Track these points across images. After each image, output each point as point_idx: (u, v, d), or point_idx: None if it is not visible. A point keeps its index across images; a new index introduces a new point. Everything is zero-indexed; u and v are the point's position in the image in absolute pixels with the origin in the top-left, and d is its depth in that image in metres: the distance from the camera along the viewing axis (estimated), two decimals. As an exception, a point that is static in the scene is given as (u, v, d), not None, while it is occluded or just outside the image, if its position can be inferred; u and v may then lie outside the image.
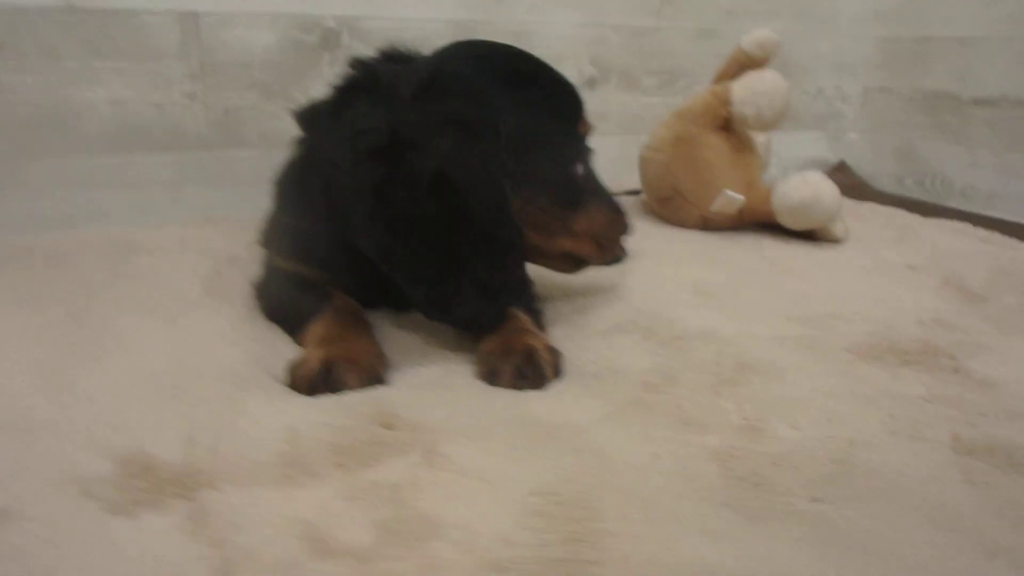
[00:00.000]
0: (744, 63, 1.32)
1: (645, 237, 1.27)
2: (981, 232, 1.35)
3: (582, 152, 0.88)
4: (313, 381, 0.72)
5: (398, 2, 1.43)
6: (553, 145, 0.86)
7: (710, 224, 1.33)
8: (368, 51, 1.34)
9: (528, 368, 0.76)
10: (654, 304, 0.96)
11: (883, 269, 1.15)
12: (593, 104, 1.61)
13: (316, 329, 0.81)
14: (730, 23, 1.71)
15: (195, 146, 1.36)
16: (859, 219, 1.44)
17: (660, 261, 1.14)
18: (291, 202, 0.93)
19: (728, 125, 1.31)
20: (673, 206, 1.35)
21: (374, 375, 0.75)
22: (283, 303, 0.89)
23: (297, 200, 0.92)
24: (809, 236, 1.29)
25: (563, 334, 0.88)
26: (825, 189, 1.23)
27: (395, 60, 0.92)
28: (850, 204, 1.52)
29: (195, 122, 1.35)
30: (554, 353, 0.79)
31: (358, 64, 0.87)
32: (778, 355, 0.82)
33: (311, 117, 0.89)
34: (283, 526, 0.53)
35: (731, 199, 1.28)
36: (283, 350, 0.81)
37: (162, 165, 1.35)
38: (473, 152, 0.77)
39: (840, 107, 1.92)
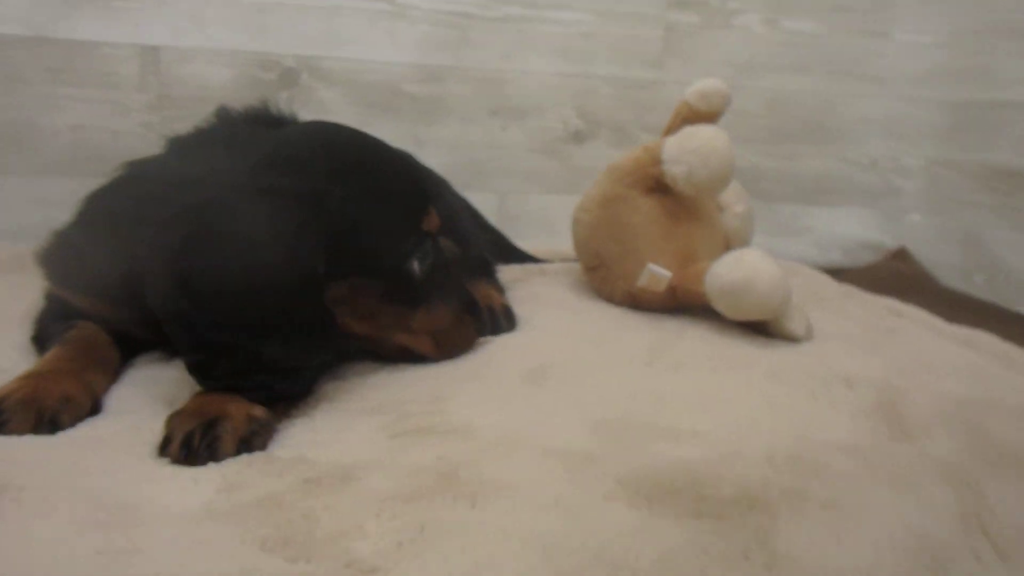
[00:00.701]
0: (688, 117, 1.16)
1: (547, 307, 1.15)
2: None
3: (423, 248, 0.84)
4: None
5: (361, 43, 1.40)
6: (387, 237, 0.81)
7: (639, 302, 1.17)
8: (327, 91, 1.34)
9: (200, 438, 0.66)
10: (443, 386, 0.85)
11: (807, 378, 0.91)
12: (580, 159, 1.52)
13: (38, 363, 0.77)
14: (747, 77, 1.54)
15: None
16: (844, 315, 1.21)
17: (527, 337, 1.02)
18: (94, 223, 0.89)
19: (664, 187, 1.15)
20: (599, 276, 1.20)
21: (48, 419, 0.69)
22: (41, 328, 0.87)
23: (103, 222, 0.88)
24: (760, 329, 1.10)
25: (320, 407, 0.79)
26: (763, 273, 1.03)
27: (264, 122, 0.92)
28: (864, 297, 1.29)
29: (149, 151, 1.39)
30: (254, 422, 0.70)
31: (224, 116, 0.88)
32: (515, 472, 0.67)
33: (169, 146, 0.92)
34: None
35: (656, 275, 1.12)
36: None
37: (114, 190, 1.39)
38: (285, 223, 0.73)
39: (898, 182, 1.67)
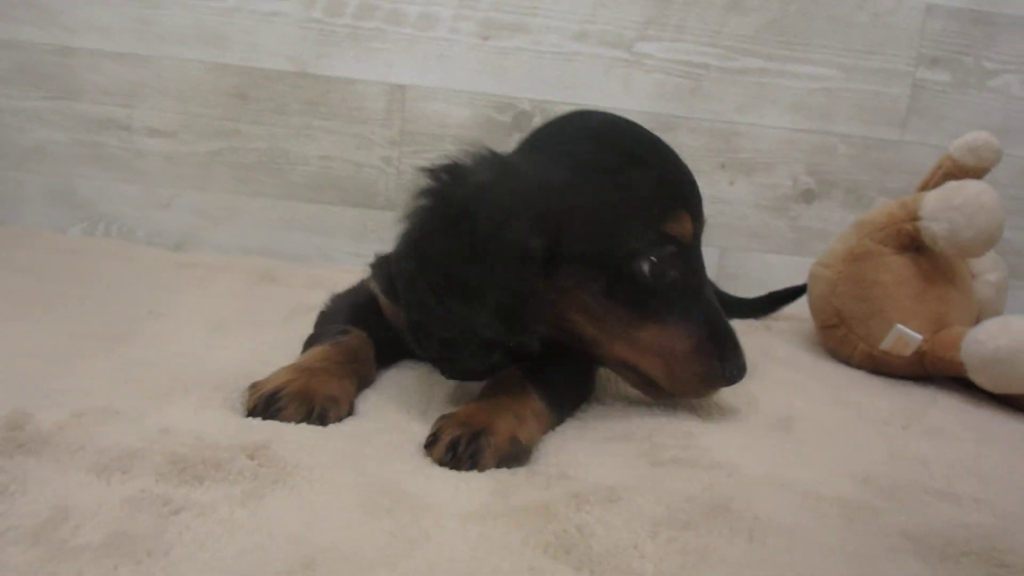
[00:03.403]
0: (951, 173, 1.08)
1: (776, 362, 1.09)
2: None
3: (660, 251, 0.75)
4: (256, 405, 0.71)
5: (595, 89, 1.42)
6: (618, 228, 0.75)
7: (881, 365, 1.08)
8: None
9: (466, 447, 0.66)
10: (689, 423, 0.80)
11: None
12: (807, 219, 1.46)
13: (306, 356, 0.80)
14: (1000, 143, 1.42)
15: (382, 206, 1.47)
16: None
17: (762, 387, 0.95)
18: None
19: (920, 246, 1.07)
20: (837, 336, 1.12)
21: (317, 413, 0.71)
22: (318, 331, 0.90)
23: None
24: (1018, 404, 0.99)
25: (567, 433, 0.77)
26: None
27: None
28: None
29: (386, 184, 1.46)
30: (513, 443, 0.68)
31: None
32: (788, 513, 0.62)
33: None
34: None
35: (906, 338, 1.04)
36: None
37: (351, 218, 1.47)
38: (504, 197, 0.73)
39: None
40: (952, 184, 1.05)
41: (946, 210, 1.02)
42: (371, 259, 0.93)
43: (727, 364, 0.78)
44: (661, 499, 0.62)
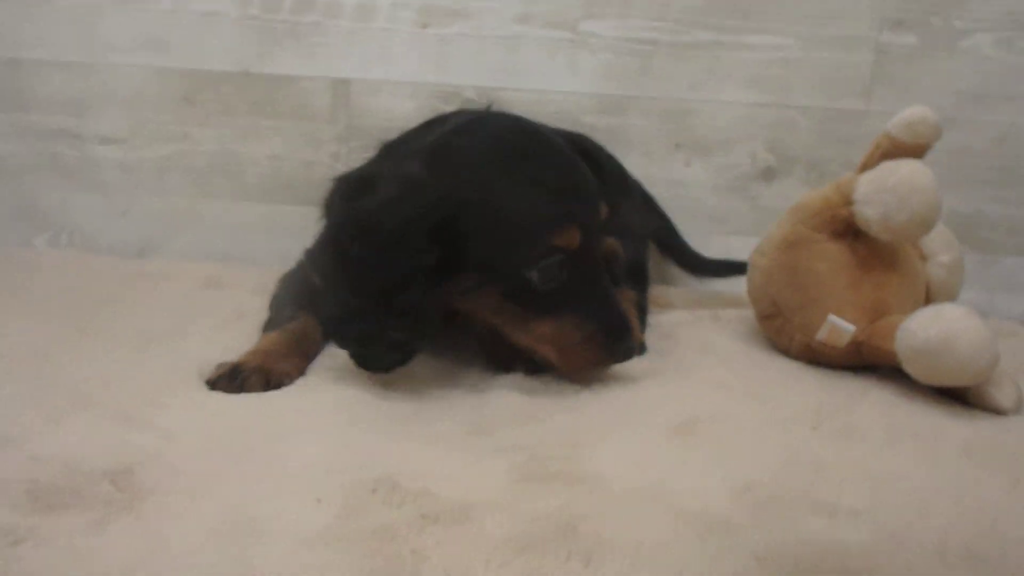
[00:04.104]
0: (889, 152, 1.01)
1: (711, 354, 1.05)
2: None
3: (547, 263, 0.85)
4: (221, 375, 0.86)
5: (540, 74, 1.37)
6: (507, 242, 0.85)
7: (819, 356, 1.02)
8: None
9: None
10: (585, 429, 0.78)
11: (1009, 460, 0.75)
12: (769, 199, 1.40)
13: (262, 342, 0.94)
14: (973, 109, 1.34)
15: (333, 202, 1.45)
16: None
17: (684, 384, 0.92)
18: None
19: (857, 231, 1.01)
20: (775, 327, 1.07)
21: (275, 383, 0.87)
22: (277, 308, 1.05)
23: None
24: (959, 397, 0.93)
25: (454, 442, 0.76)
26: (966, 331, 0.87)
27: None
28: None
29: (336, 180, 1.44)
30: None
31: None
32: (639, 532, 0.59)
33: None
34: None
35: (838, 328, 0.98)
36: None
37: (302, 216, 1.45)
38: (402, 211, 0.82)
39: None
40: (886, 164, 0.98)
41: (878, 192, 0.96)
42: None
43: (615, 350, 0.89)
44: (511, 519, 0.61)
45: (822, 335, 1.00)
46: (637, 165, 1.37)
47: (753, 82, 1.36)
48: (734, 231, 1.41)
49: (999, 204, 1.39)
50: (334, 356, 0.95)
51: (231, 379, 0.85)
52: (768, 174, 1.39)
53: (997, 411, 0.90)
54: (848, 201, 1.00)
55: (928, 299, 1.08)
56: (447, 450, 0.73)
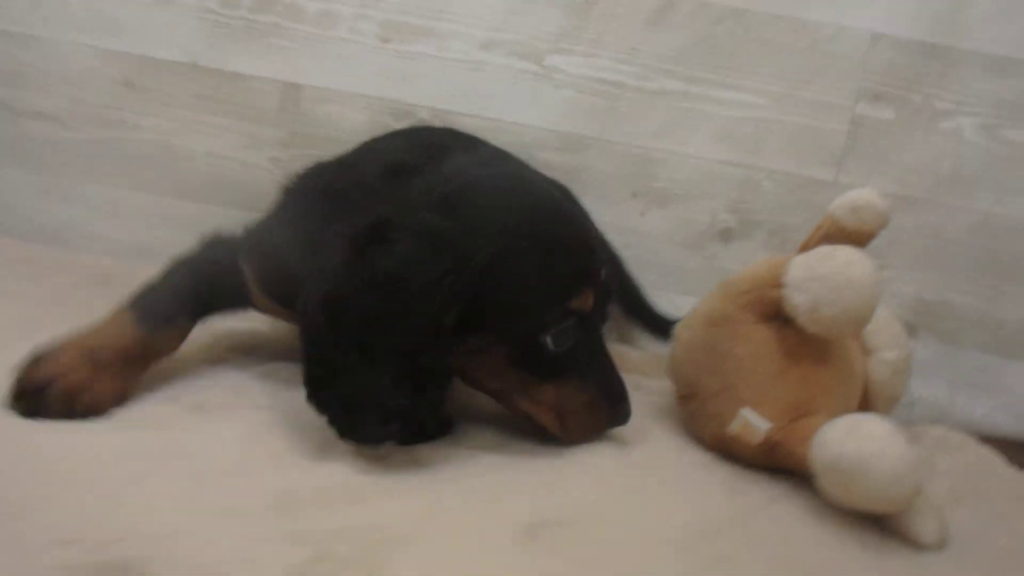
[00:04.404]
0: (830, 235, 0.91)
1: (612, 437, 0.93)
2: None
3: (564, 326, 0.81)
4: (20, 392, 0.76)
5: (500, 103, 1.30)
6: (526, 305, 0.80)
7: (732, 450, 0.91)
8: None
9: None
10: (426, 516, 0.68)
11: None
12: (725, 260, 1.32)
13: (106, 330, 0.85)
14: (948, 193, 1.27)
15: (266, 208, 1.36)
16: (1008, 522, 0.86)
17: (556, 475, 0.80)
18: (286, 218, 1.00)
19: (787, 316, 0.90)
20: (690, 409, 0.96)
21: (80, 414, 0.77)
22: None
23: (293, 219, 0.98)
24: (877, 520, 0.80)
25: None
26: (886, 451, 0.75)
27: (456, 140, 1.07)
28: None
29: (273, 186, 1.36)
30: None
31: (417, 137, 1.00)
32: None
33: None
34: None
35: (751, 424, 0.88)
36: None
37: (233, 220, 1.36)
38: (425, 269, 0.75)
39: None
40: (823, 250, 0.88)
41: (809, 280, 0.85)
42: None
43: (615, 414, 0.88)
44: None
45: (734, 428, 0.89)
46: (591, 209, 1.29)
47: (720, 138, 1.29)
48: (686, 290, 1.32)
49: (967, 296, 1.31)
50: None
51: (29, 403, 0.75)
52: (726, 235, 1.31)
53: (917, 544, 0.78)
54: (778, 283, 0.89)
55: (865, 400, 0.97)
56: (240, 527, 0.63)
